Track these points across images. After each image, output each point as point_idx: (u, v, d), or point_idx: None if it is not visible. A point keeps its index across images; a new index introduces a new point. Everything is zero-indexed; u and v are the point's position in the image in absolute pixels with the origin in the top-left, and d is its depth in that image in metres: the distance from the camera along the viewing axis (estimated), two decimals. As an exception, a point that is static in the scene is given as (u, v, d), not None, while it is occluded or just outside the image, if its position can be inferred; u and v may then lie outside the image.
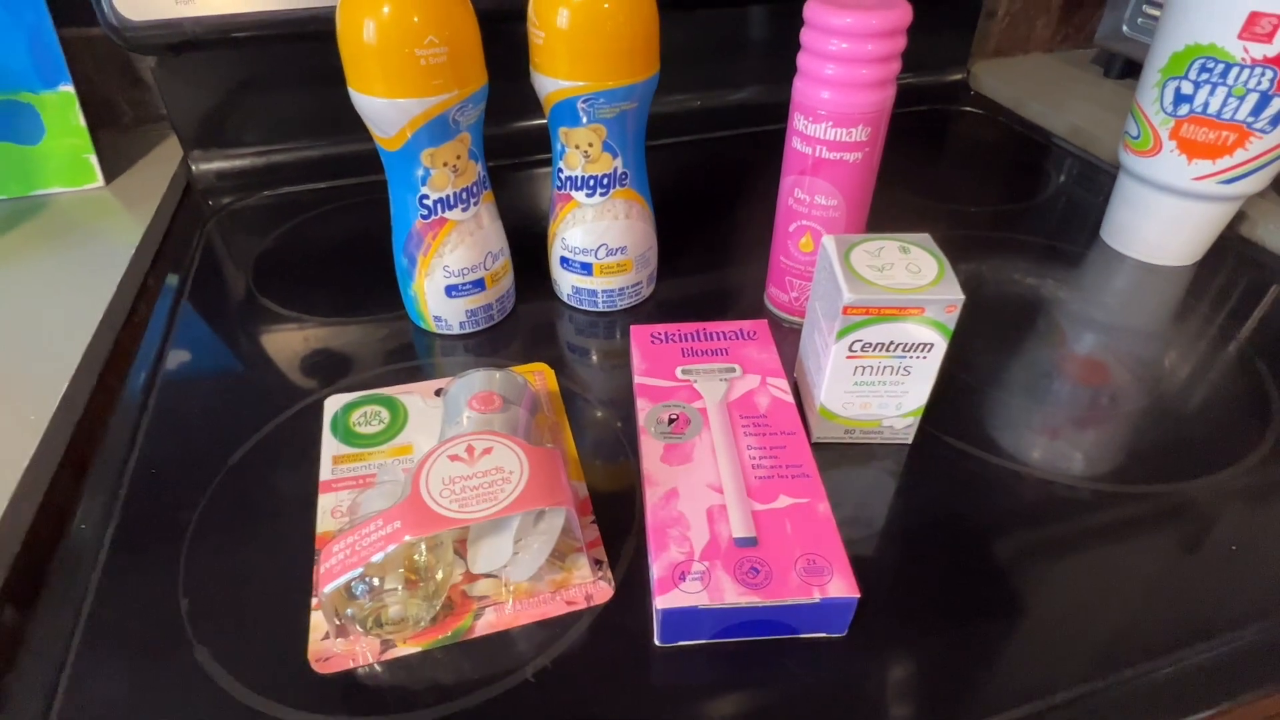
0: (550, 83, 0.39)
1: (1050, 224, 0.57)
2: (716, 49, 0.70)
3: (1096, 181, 0.63)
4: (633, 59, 0.38)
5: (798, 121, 0.40)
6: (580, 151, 0.41)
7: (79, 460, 0.38)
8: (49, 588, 0.32)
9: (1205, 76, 0.43)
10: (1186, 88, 0.45)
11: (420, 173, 0.39)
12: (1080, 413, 0.40)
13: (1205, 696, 0.28)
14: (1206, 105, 0.44)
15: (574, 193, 0.43)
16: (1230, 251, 0.53)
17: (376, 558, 0.27)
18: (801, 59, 0.38)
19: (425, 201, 0.40)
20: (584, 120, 0.40)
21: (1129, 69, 0.78)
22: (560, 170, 0.43)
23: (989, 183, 0.63)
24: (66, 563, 0.33)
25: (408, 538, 0.28)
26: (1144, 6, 0.72)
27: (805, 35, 0.38)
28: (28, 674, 0.29)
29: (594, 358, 0.45)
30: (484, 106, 0.40)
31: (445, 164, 0.39)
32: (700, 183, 0.63)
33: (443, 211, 0.40)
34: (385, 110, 0.36)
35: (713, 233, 0.56)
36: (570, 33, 0.37)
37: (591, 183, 0.42)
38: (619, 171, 0.42)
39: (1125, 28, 0.74)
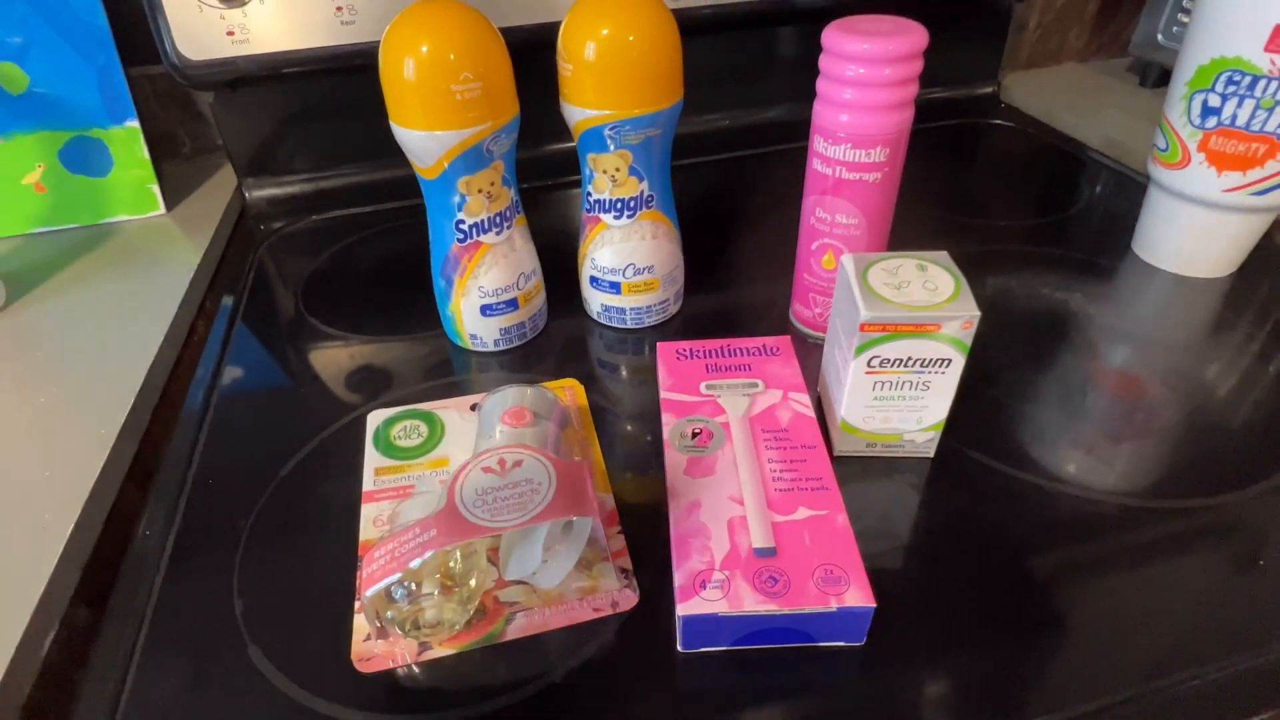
0: (578, 112, 0.41)
1: (1082, 237, 0.57)
2: (739, 70, 0.72)
3: (1130, 193, 0.62)
4: (656, 88, 0.40)
5: (818, 144, 0.41)
6: (608, 176, 0.43)
7: (144, 471, 0.41)
8: (117, 589, 0.35)
9: (1232, 89, 0.43)
10: (1214, 100, 0.44)
11: (456, 199, 0.41)
12: (1110, 427, 0.40)
13: (1232, 709, 0.28)
14: (1235, 117, 0.44)
15: (602, 215, 0.45)
16: (1268, 263, 0.52)
17: (415, 563, 0.29)
18: (820, 84, 0.40)
19: (461, 226, 0.42)
20: (611, 146, 0.42)
21: (1165, 77, 0.77)
22: (589, 194, 0.45)
23: (1020, 196, 0.63)
24: (132, 566, 0.36)
25: (443, 545, 0.29)
26: (1179, 15, 0.71)
27: (823, 61, 0.39)
28: (98, 668, 0.32)
29: (623, 373, 0.46)
30: (516, 136, 0.42)
31: (480, 190, 0.41)
32: (725, 201, 0.64)
33: (478, 235, 0.43)
34: (424, 142, 0.39)
35: (737, 251, 0.57)
36: (596, 65, 0.39)
37: (619, 205, 0.44)
38: (645, 194, 0.44)
39: (1160, 36, 0.73)
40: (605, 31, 0.38)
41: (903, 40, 0.36)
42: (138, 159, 0.60)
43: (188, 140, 0.68)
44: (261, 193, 0.66)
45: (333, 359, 0.48)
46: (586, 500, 0.31)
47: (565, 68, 0.40)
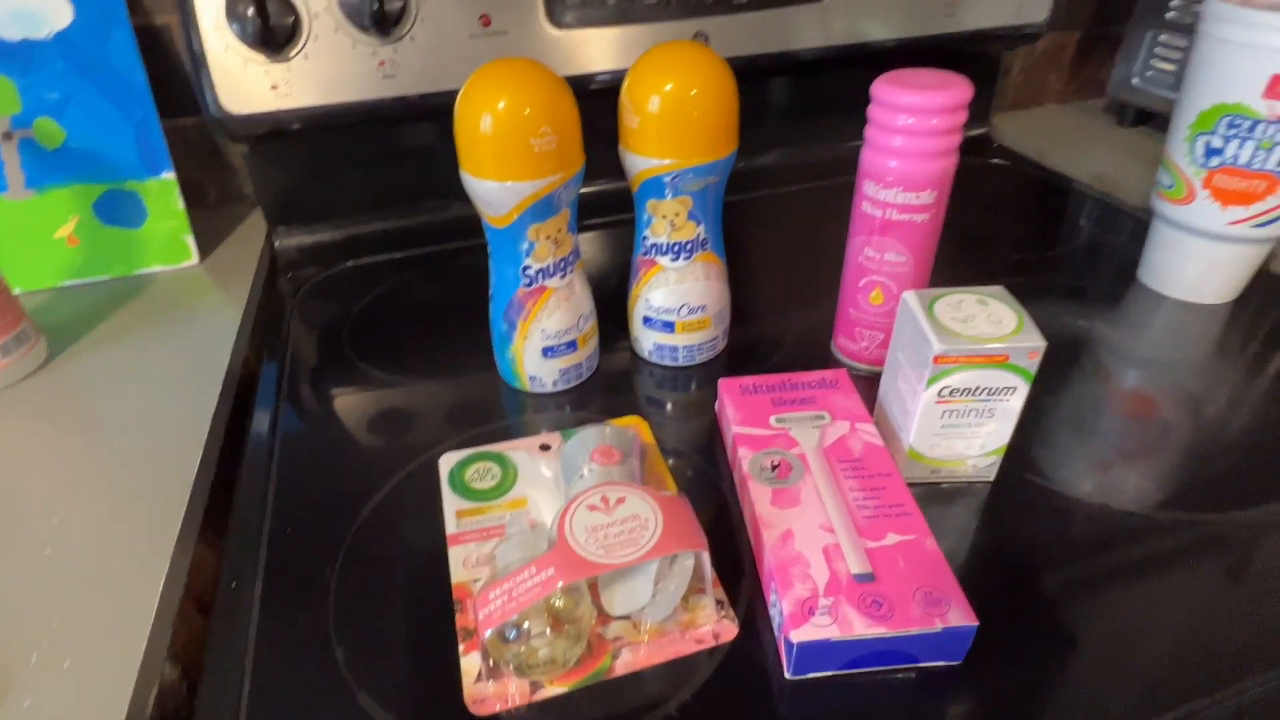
0: (642, 161, 0.43)
1: (1090, 267, 0.61)
2: (781, 112, 0.75)
3: (1126, 225, 0.66)
4: (716, 138, 0.42)
5: (867, 187, 0.43)
6: (667, 221, 0.45)
7: (218, 526, 0.41)
8: (212, 647, 0.34)
9: (1234, 132, 0.47)
10: (1216, 142, 0.48)
11: (525, 246, 0.43)
12: (1153, 445, 0.43)
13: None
14: (1236, 157, 0.48)
15: (659, 258, 0.46)
16: (1262, 286, 0.56)
17: (539, 601, 0.29)
18: (870, 131, 0.42)
19: (528, 271, 0.43)
20: (669, 194, 0.44)
21: (1141, 117, 0.83)
22: (645, 238, 0.46)
23: (1026, 230, 0.67)
24: (224, 621, 0.35)
25: (561, 583, 0.30)
26: (1152, 60, 0.77)
27: (873, 111, 0.42)
28: (202, 725, 0.31)
29: (677, 409, 0.47)
30: (581, 184, 0.43)
31: (548, 237, 0.43)
32: (753, 238, 0.66)
33: (543, 280, 0.44)
34: (499, 192, 0.40)
35: (775, 285, 0.59)
36: (661, 117, 0.41)
37: (676, 248, 0.46)
38: (701, 237, 0.46)
39: (1135, 80, 0.79)
40: (669, 86, 0.41)
41: (950, 93, 0.39)
42: (173, 210, 0.60)
43: (213, 190, 0.69)
44: (291, 241, 0.66)
45: (389, 403, 0.48)
46: (695, 533, 0.32)
47: (631, 119, 0.42)
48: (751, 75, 0.67)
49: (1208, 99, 0.48)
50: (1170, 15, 0.73)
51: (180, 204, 0.60)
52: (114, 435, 0.44)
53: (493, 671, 0.32)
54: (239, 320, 0.54)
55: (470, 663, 0.32)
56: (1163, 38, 0.74)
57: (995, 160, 0.80)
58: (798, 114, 0.77)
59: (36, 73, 0.54)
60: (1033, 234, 0.66)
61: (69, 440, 0.44)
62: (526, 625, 0.31)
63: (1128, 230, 0.65)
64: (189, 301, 0.57)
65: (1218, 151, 0.49)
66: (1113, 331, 0.53)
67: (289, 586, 0.37)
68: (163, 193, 0.59)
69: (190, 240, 0.61)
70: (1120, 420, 0.45)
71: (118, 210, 0.59)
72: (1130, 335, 0.52)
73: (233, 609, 0.36)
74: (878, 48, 0.68)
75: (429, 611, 0.35)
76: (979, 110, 0.83)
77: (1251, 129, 0.47)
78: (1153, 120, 0.83)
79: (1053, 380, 0.48)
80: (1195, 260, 0.53)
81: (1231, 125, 0.47)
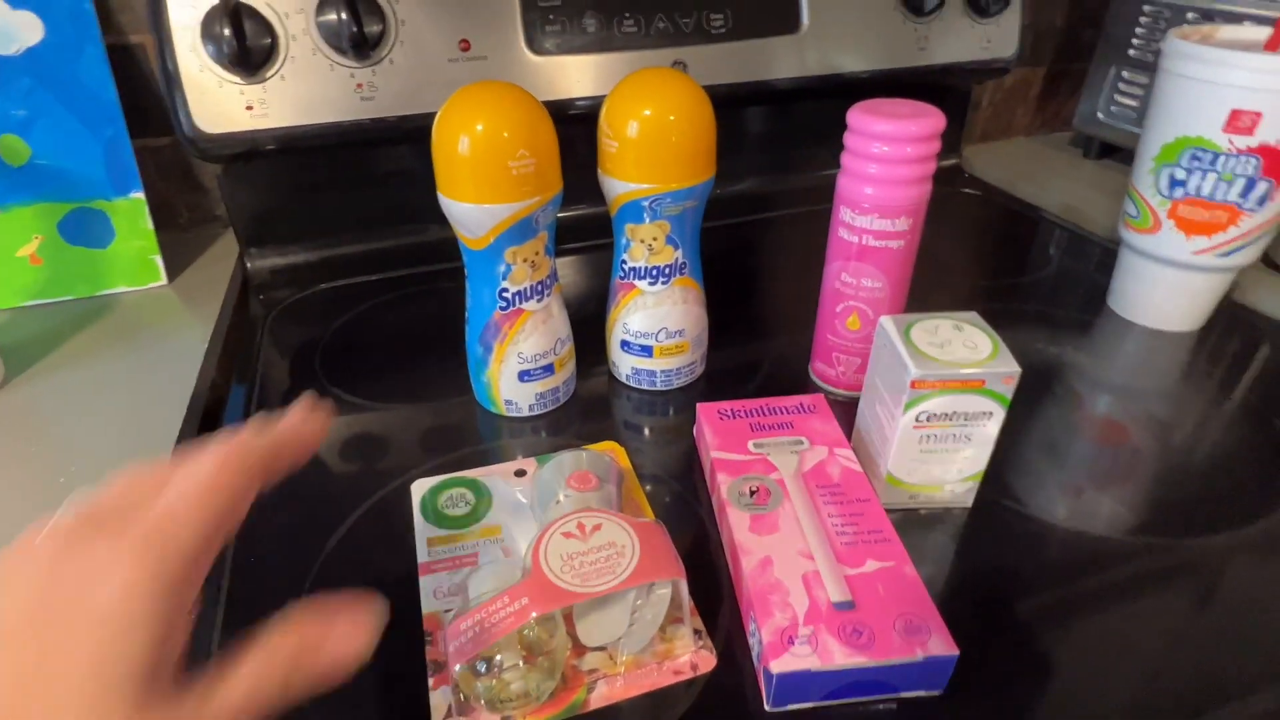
0: (620, 185, 0.43)
1: (1059, 295, 0.62)
2: (758, 140, 0.76)
3: (1094, 254, 0.68)
4: (694, 163, 0.42)
5: (843, 214, 0.44)
6: (645, 245, 0.45)
7: (176, 552, 0.39)
8: (165, 679, 0.33)
9: (1196, 164, 0.49)
10: (1180, 174, 0.50)
11: (502, 268, 0.42)
12: (1125, 471, 0.43)
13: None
14: (1200, 189, 0.49)
15: (637, 281, 0.46)
16: (1227, 315, 0.57)
17: (512, 633, 0.28)
18: (846, 159, 0.43)
19: (505, 294, 0.43)
20: (647, 218, 0.44)
21: (1106, 150, 0.85)
22: (624, 261, 0.46)
23: (996, 258, 0.68)
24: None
25: (535, 614, 0.29)
26: (1115, 95, 0.79)
27: (849, 138, 0.42)
28: (155, 766, 0.30)
29: (656, 434, 0.47)
30: (559, 207, 0.43)
31: (525, 260, 0.42)
32: (738, 263, 0.67)
33: (520, 303, 0.43)
34: (476, 215, 0.40)
35: (753, 310, 0.59)
36: (640, 141, 0.41)
37: (654, 272, 0.46)
38: (679, 261, 0.46)
39: (1100, 114, 0.81)
40: (648, 111, 0.41)
41: (924, 121, 0.40)
42: (141, 230, 0.59)
43: (185, 211, 0.67)
44: (264, 263, 0.65)
45: (361, 429, 0.47)
46: (672, 561, 0.32)
47: (609, 144, 0.42)
48: (729, 104, 0.68)
49: (1170, 132, 0.49)
50: (1132, 53, 0.76)
51: (149, 224, 0.59)
52: (73, 459, 0.42)
53: (463, 707, 0.31)
54: (207, 342, 0.53)
55: (440, 698, 0.31)
56: (1125, 74, 0.77)
57: (967, 190, 0.81)
58: (775, 142, 0.78)
59: (3, 89, 0.53)
60: (1004, 262, 0.67)
61: (25, 464, 0.42)
62: (499, 658, 0.30)
63: (1095, 259, 0.67)
64: (156, 323, 0.56)
65: (1181, 183, 0.50)
66: (1084, 358, 0.53)
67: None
68: (131, 212, 0.58)
69: (159, 261, 0.60)
70: (1093, 446, 0.45)
71: (84, 229, 0.57)
72: (1101, 362, 0.53)
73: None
74: (852, 79, 0.69)
75: (397, 644, 0.34)
76: (951, 142, 0.85)
77: (1213, 161, 0.48)
78: (1117, 154, 0.85)
79: (1026, 407, 0.48)
80: (1162, 288, 0.54)
81: (1194, 158, 0.49)
